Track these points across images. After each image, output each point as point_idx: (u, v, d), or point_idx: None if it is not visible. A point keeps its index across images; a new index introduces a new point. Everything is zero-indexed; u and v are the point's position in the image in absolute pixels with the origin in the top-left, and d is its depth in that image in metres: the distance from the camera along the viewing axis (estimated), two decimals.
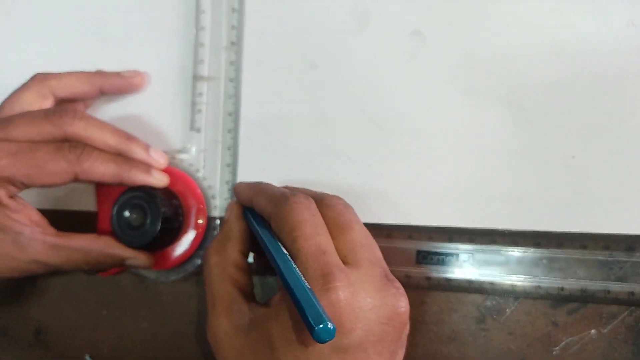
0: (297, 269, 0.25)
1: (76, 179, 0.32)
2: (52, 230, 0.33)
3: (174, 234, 0.35)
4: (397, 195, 0.33)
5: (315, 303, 0.23)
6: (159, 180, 0.33)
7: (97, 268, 0.34)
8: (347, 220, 0.27)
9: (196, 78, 0.36)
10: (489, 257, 0.32)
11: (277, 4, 0.36)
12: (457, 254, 0.32)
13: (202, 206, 0.35)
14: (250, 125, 0.36)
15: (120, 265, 0.34)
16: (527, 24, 0.32)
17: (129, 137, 0.33)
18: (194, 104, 0.36)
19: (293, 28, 0.36)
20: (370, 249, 0.27)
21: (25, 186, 0.31)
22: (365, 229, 0.28)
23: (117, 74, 0.37)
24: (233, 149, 0.36)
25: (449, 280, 0.32)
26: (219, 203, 0.36)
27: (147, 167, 0.33)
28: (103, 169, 0.32)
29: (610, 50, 0.31)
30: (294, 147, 0.35)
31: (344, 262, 0.26)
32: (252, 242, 0.30)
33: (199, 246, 0.35)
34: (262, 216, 0.29)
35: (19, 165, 0.31)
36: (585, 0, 0.31)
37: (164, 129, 0.37)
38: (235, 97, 0.36)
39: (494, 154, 0.32)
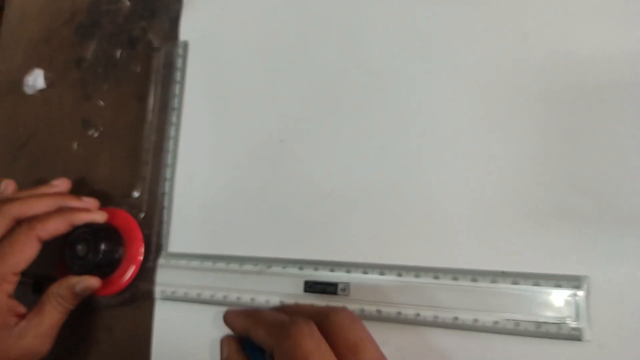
0: None
1: (42, 241, 0.38)
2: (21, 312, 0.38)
3: (116, 264, 0.42)
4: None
5: None
6: (99, 216, 0.41)
7: (74, 301, 0.40)
8: (358, 339, 0.27)
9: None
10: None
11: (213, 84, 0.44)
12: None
13: (141, 242, 0.42)
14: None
15: (75, 292, 0.41)
16: (542, 46, 0.33)
17: (62, 195, 0.41)
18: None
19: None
20: None
21: (17, 275, 0.37)
22: (376, 344, 0.27)
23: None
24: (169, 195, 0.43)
25: None
26: (155, 239, 0.43)
27: (86, 209, 0.41)
28: (54, 223, 0.39)
29: (625, 77, 0.31)
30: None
31: None
32: None
33: (136, 275, 0.42)
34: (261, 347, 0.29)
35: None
36: (601, 22, 0.33)
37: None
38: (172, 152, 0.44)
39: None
